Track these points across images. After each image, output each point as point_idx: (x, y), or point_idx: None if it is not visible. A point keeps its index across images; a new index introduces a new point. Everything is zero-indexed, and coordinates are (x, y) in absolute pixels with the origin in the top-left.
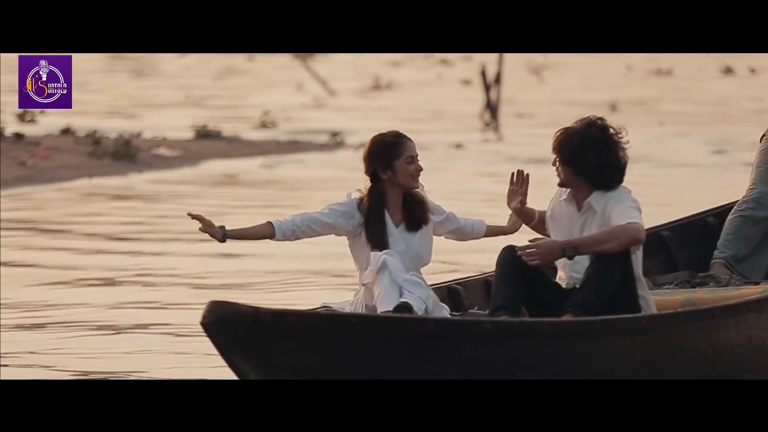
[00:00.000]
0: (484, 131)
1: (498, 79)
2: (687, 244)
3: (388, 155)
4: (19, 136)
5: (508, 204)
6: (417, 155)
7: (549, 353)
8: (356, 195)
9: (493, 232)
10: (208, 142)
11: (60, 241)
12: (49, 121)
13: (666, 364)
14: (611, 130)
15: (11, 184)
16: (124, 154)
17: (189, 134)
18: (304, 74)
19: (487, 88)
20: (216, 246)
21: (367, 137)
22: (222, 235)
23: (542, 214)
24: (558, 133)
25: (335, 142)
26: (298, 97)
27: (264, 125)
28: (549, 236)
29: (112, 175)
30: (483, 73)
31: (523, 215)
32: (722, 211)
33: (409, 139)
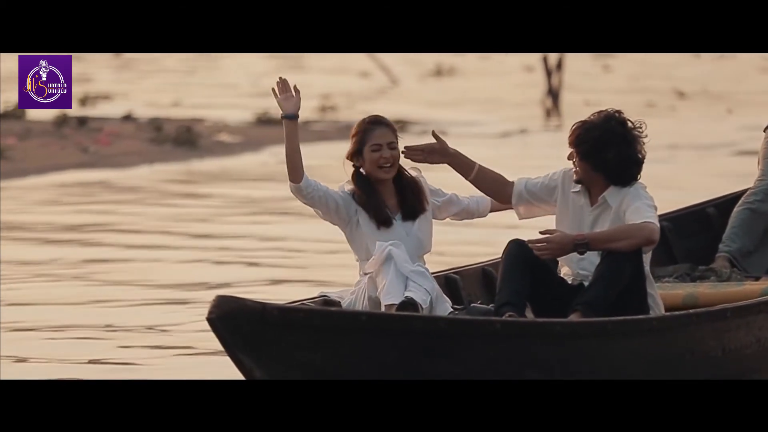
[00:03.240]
0: (545, 119)
1: (560, 66)
2: (686, 235)
3: (359, 141)
4: (81, 121)
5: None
6: (390, 142)
7: (559, 353)
8: (348, 187)
9: (498, 206)
10: (269, 128)
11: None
12: (110, 107)
13: (675, 364)
14: (630, 124)
15: (74, 169)
16: (186, 140)
17: (250, 120)
18: (368, 61)
19: (548, 74)
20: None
21: (429, 124)
22: (291, 114)
23: (493, 174)
24: (575, 127)
25: (398, 128)
26: (361, 83)
27: (326, 111)
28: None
29: (173, 161)
30: (545, 60)
31: (455, 163)
32: (722, 202)
33: (384, 124)
